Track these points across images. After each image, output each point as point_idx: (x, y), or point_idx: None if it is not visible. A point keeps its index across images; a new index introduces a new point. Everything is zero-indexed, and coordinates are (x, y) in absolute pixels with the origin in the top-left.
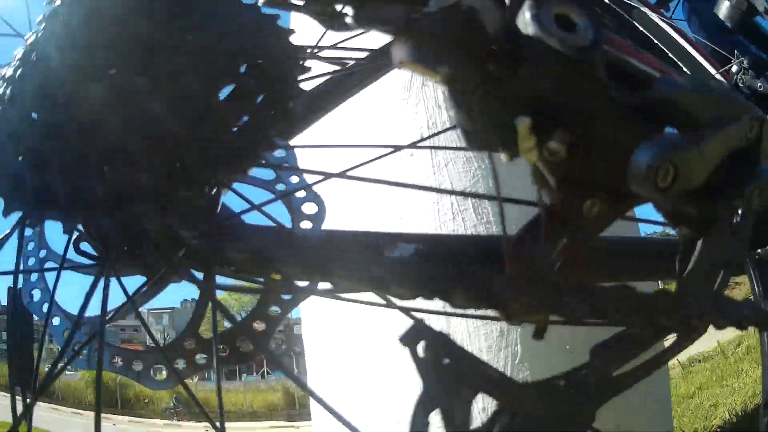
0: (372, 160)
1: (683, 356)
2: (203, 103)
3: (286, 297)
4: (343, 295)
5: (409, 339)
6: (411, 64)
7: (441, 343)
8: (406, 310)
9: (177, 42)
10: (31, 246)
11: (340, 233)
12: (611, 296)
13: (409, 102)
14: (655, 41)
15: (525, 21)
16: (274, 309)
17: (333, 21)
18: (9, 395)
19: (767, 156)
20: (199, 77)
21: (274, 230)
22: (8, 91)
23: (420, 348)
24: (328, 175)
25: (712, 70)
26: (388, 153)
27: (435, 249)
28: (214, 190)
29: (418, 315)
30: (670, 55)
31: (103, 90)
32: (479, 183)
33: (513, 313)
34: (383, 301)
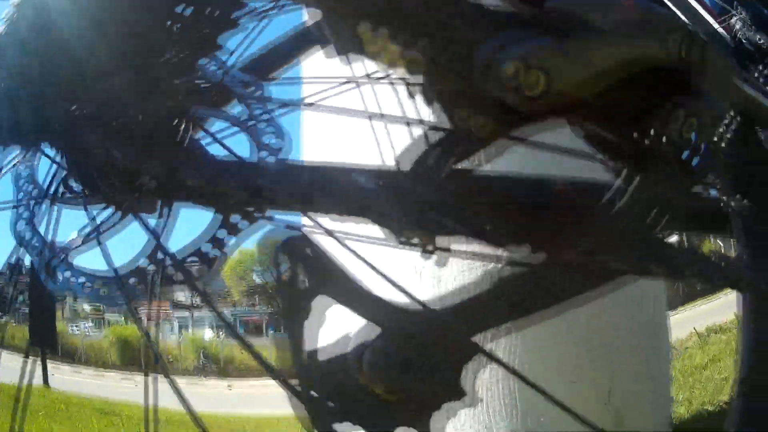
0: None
1: (701, 326)
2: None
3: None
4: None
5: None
6: None
7: (313, 254)
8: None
9: None
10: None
11: (297, 164)
12: (496, 219)
13: None
14: None
15: None
16: (223, 234)
17: None
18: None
19: (710, 80)
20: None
21: (231, 161)
22: None
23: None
24: (293, 106)
25: (713, 22)
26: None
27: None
28: (176, 122)
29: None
30: (669, 4)
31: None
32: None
33: (392, 230)
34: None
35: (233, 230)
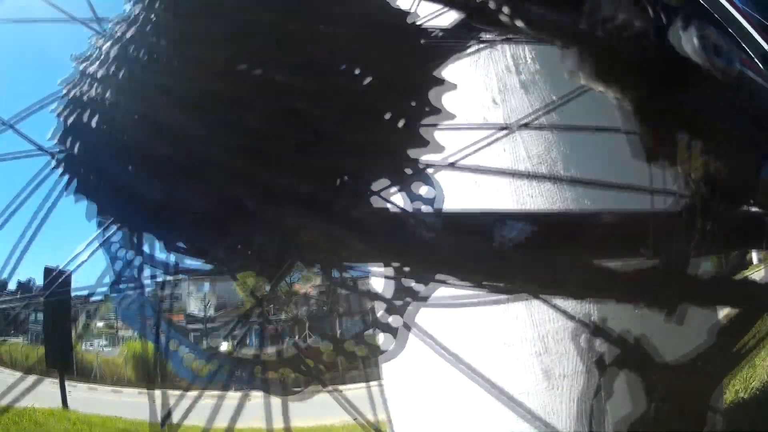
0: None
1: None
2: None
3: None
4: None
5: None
6: (583, 75)
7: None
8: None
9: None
10: (121, 252)
11: (453, 215)
12: (742, 286)
13: (478, 65)
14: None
15: (689, 41)
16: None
17: None
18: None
19: None
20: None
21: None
22: (108, 94)
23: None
24: (439, 166)
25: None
26: (502, 136)
27: (543, 228)
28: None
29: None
30: (727, 29)
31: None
32: (552, 150)
33: (657, 303)
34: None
35: (411, 294)
